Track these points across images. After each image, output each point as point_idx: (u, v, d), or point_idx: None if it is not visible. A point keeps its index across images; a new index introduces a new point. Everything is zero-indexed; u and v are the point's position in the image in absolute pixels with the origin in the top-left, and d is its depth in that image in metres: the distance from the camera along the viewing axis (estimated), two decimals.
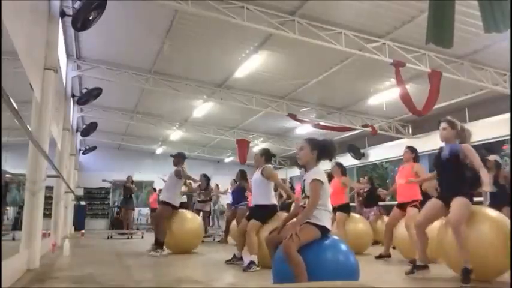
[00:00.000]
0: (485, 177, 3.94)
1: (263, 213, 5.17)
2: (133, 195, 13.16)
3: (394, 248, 6.22)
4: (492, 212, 4.14)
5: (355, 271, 3.00)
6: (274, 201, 5.34)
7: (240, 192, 8.77)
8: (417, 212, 5.24)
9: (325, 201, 3.18)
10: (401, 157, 6.20)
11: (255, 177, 5.47)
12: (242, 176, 8.48)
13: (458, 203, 3.91)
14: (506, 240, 3.77)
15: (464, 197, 3.94)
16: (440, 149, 4.39)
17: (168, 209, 6.80)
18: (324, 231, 3.08)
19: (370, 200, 8.96)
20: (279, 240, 3.08)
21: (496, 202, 6.00)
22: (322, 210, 3.14)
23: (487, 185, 3.92)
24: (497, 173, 6.99)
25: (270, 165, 5.46)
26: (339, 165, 7.17)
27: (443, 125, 4.30)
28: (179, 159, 7.23)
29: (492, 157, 7.27)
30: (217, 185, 13.03)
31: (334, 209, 6.61)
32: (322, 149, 3.29)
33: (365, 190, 9.14)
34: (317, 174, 3.18)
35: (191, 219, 7.14)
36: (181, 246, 6.78)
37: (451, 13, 4.50)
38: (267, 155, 5.48)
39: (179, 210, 7.07)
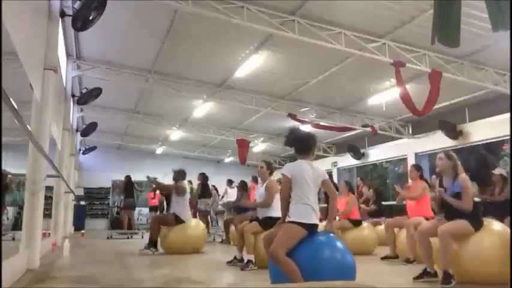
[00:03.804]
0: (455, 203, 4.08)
1: (271, 224, 5.15)
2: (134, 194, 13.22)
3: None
4: (495, 224, 4.16)
5: (352, 270, 2.98)
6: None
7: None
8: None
9: (300, 195, 3.13)
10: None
11: (260, 192, 5.49)
12: (243, 187, 8.60)
13: (456, 221, 4.02)
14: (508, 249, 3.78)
15: (466, 220, 4.00)
16: (440, 179, 4.43)
17: (171, 219, 6.89)
18: (309, 228, 3.04)
19: (376, 212, 8.57)
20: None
21: (499, 213, 6.03)
22: (299, 204, 3.12)
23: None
24: (503, 186, 7.05)
25: (273, 178, 5.50)
26: (347, 183, 7.36)
27: (440, 155, 4.41)
28: (179, 176, 7.29)
29: (497, 171, 7.34)
30: (214, 186, 12.99)
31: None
32: (295, 144, 3.35)
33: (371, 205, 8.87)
34: (283, 168, 3.25)
35: (194, 227, 7.13)
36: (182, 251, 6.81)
37: (458, 12, 4.47)
38: (271, 168, 5.55)
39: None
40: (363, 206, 8.59)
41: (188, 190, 7.40)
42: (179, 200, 7.05)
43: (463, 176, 4.19)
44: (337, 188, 11.89)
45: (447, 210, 4.26)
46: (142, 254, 6.60)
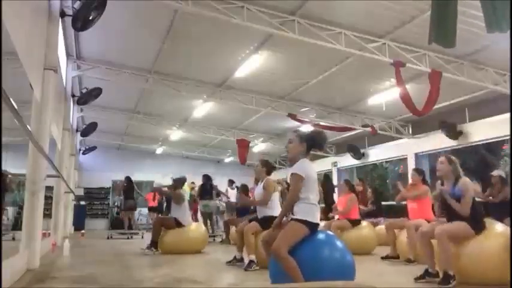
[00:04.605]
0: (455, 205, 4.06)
1: (271, 223, 5.15)
2: (134, 195, 13.20)
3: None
4: (496, 225, 4.16)
5: (351, 269, 2.98)
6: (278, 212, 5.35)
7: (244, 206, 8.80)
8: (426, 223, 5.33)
9: (308, 195, 3.15)
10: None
11: (257, 192, 5.48)
12: (243, 190, 8.60)
13: (455, 222, 4.03)
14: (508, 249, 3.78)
15: (466, 222, 3.99)
16: (442, 183, 4.39)
17: (172, 223, 7.02)
18: (312, 226, 3.06)
19: (375, 212, 8.54)
20: (273, 240, 3.08)
21: (498, 214, 6.05)
22: (305, 203, 3.12)
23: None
24: (502, 188, 7.11)
25: (270, 177, 5.46)
26: (347, 182, 7.33)
27: (441, 159, 4.37)
28: (178, 183, 7.44)
29: (496, 173, 7.41)
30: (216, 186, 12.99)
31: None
32: (311, 141, 3.32)
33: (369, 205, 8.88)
34: (297, 168, 3.20)
35: (194, 230, 7.23)
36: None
37: (454, 12, 4.49)
38: (268, 167, 5.49)
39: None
40: (361, 206, 8.56)
41: (187, 197, 7.47)
42: (179, 206, 7.21)
43: (464, 180, 4.16)
44: (333, 189, 11.81)
45: (448, 211, 4.25)
46: (144, 253, 6.74)
